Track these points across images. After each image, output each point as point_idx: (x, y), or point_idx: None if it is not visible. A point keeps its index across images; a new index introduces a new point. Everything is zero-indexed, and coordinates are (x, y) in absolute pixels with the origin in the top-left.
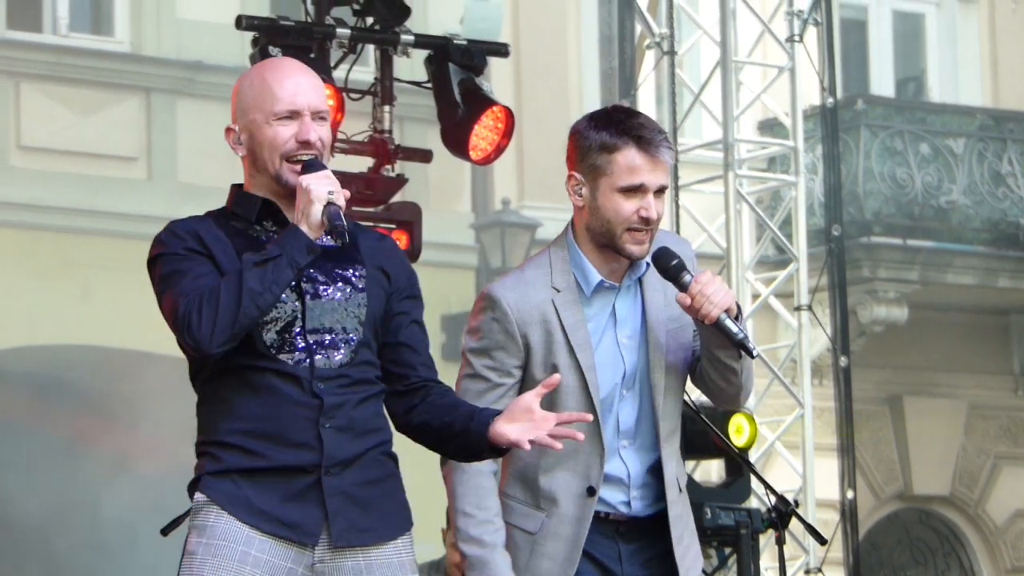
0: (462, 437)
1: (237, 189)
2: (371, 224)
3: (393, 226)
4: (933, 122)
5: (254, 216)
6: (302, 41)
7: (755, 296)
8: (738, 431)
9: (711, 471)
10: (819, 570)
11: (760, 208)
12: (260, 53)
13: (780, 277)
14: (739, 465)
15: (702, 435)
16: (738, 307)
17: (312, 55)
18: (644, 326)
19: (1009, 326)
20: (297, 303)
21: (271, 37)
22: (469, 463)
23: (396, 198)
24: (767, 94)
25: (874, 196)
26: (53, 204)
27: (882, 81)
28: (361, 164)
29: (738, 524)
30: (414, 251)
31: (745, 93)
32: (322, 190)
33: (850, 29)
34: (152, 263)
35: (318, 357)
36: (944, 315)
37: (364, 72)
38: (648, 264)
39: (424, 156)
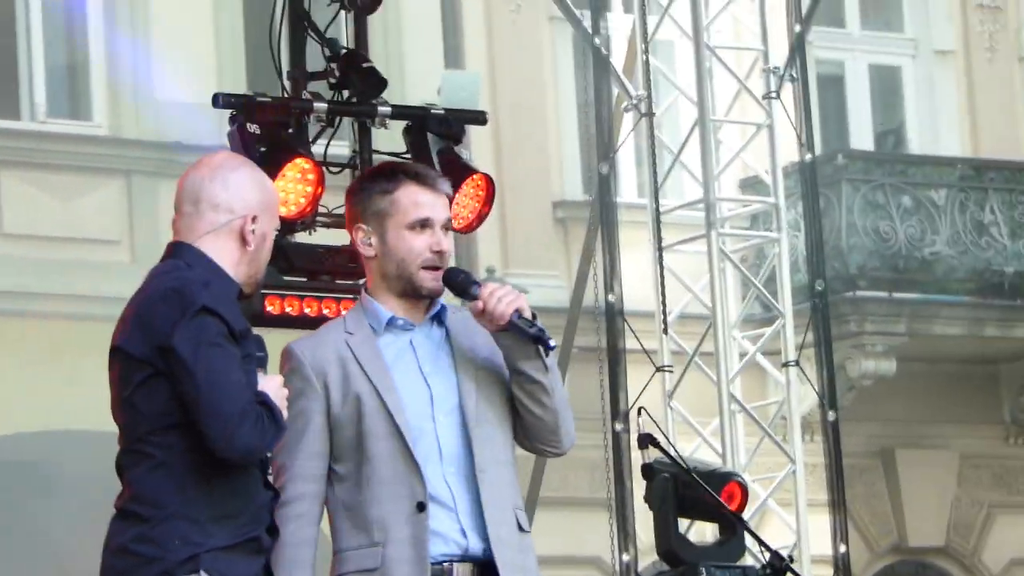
0: None
1: None
2: (352, 296)
3: None
4: (914, 174)
5: None
6: (280, 117)
7: (742, 354)
8: (730, 498)
9: (705, 530)
10: None
11: (744, 266)
12: (238, 131)
13: (767, 334)
14: (733, 523)
15: (696, 498)
16: (533, 314)
17: (290, 130)
18: (452, 356)
19: (998, 375)
20: None
21: (249, 114)
22: (287, 536)
23: None
24: (747, 152)
25: (858, 250)
26: (37, 290)
27: (861, 135)
28: (343, 237)
29: None
30: None
31: (724, 151)
32: None
33: (827, 84)
34: None
35: None
36: (932, 366)
37: (343, 146)
38: (443, 306)
39: None
